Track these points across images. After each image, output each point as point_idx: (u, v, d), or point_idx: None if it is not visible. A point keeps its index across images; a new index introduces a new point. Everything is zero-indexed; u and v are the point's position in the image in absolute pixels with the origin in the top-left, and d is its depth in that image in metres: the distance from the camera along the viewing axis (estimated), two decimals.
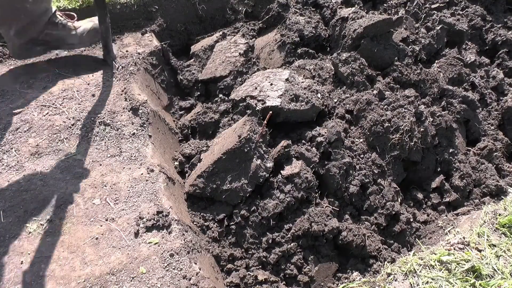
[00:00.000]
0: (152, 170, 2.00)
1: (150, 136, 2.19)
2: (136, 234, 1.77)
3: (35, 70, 2.43)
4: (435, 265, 1.72)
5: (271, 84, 2.35)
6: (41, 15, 2.26)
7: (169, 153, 2.35)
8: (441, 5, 3.20)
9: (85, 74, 2.44)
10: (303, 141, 2.24)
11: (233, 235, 2.00)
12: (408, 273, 1.72)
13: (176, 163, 2.31)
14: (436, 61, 2.90)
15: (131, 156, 2.06)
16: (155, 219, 1.80)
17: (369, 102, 2.38)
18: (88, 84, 2.38)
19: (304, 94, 2.31)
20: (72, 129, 2.12)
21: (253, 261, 1.95)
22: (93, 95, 2.30)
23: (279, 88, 2.30)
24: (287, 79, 2.37)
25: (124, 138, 2.14)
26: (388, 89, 2.54)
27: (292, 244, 1.97)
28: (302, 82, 2.42)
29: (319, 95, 2.40)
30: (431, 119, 2.46)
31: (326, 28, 3.00)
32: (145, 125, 2.23)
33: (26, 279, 1.60)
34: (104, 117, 2.19)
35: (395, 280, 1.71)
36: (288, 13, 3.02)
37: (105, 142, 2.10)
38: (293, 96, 2.27)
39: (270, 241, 1.97)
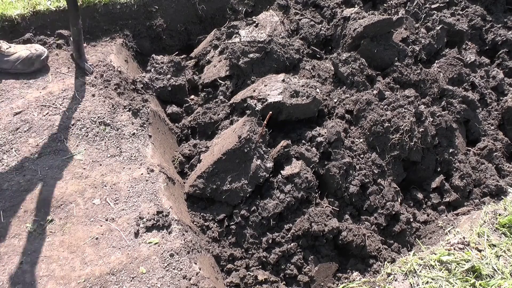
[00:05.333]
0: (152, 170, 2.00)
1: (150, 136, 2.19)
2: (136, 234, 1.77)
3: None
4: (435, 265, 1.71)
5: (268, 86, 2.35)
6: None
7: (169, 153, 2.35)
8: (441, 5, 3.20)
9: (85, 74, 2.44)
10: (303, 141, 2.24)
11: (233, 235, 2.00)
12: (408, 273, 1.72)
13: (176, 163, 2.31)
14: (436, 61, 2.90)
15: (131, 156, 2.06)
16: (155, 219, 1.80)
17: (369, 102, 2.38)
18: (88, 84, 2.38)
19: (304, 89, 2.31)
20: (72, 129, 2.12)
21: (253, 261, 1.95)
22: (93, 95, 2.30)
23: (277, 88, 2.30)
24: (283, 80, 2.37)
25: (124, 138, 2.14)
26: (388, 89, 2.54)
27: (292, 244, 1.97)
28: (298, 82, 2.43)
29: (317, 90, 2.40)
30: (431, 119, 2.46)
31: (327, 28, 3.00)
32: (145, 125, 2.23)
33: (26, 279, 1.60)
34: (104, 117, 2.19)
35: (395, 280, 1.71)
36: (288, 14, 3.01)
37: (105, 142, 2.10)
38: (292, 92, 2.27)
39: (270, 241, 1.97)
